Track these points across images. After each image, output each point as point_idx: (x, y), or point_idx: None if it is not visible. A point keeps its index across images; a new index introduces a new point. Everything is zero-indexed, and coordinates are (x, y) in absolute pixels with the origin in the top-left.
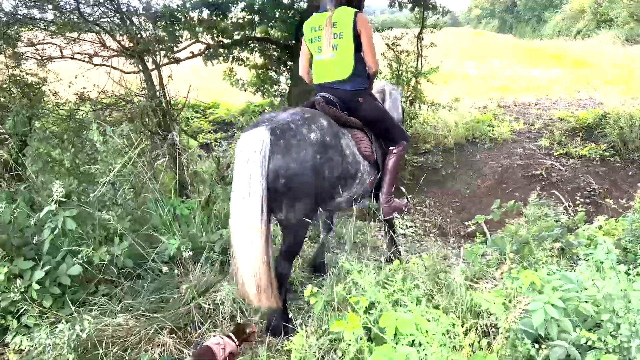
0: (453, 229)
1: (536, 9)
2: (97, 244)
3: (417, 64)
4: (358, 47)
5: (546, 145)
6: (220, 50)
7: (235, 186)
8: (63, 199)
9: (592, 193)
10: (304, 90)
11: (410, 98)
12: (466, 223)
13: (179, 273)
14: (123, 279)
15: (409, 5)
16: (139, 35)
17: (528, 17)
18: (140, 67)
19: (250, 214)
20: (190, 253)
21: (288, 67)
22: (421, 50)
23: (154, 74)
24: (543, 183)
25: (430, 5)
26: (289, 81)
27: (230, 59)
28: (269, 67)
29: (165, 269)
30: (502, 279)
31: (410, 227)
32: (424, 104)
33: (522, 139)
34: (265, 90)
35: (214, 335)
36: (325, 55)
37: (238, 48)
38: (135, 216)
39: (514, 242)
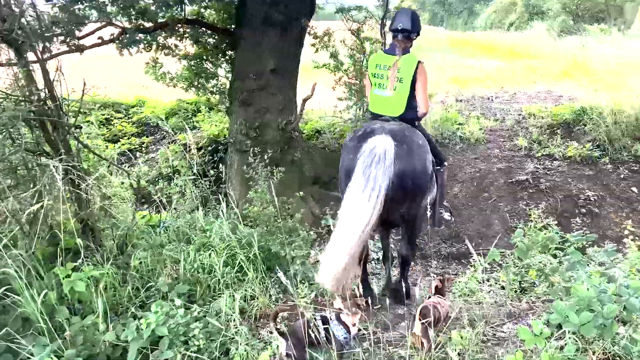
0: (433, 249)
1: (468, 2)
2: None
3: None
4: (413, 89)
5: (524, 145)
6: (141, 35)
7: (357, 185)
8: None
9: (587, 201)
10: (248, 85)
11: None
12: (448, 242)
13: None
14: None
15: None
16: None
17: (460, 9)
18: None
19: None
20: None
21: (228, 58)
22: (384, 37)
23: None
24: (530, 191)
25: None
26: (229, 75)
27: (154, 46)
28: (204, 57)
29: None
30: None
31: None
32: None
33: (496, 138)
34: (200, 85)
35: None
36: (386, 93)
37: (164, 33)
38: None
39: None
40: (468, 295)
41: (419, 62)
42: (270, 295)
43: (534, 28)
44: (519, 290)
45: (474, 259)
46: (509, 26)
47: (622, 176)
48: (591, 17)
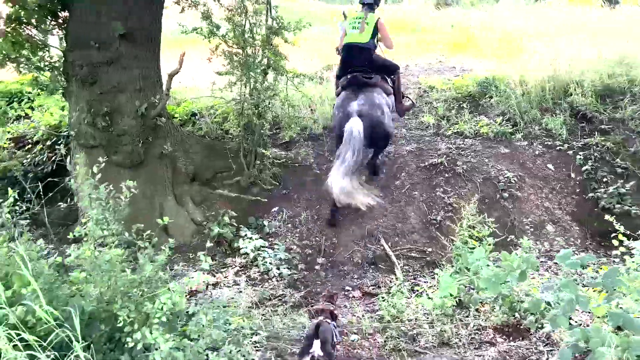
0: (345, 254)
1: None
2: None
3: (267, 16)
4: (375, 33)
5: (431, 122)
6: None
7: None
8: None
9: (508, 184)
10: (89, 57)
11: (263, 68)
12: (361, 243)
13: None
14: None
15: None
16: None
17: None
18: None
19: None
20: None
21: (61, 21)
22: None
23: None
24: (446, 175)
25: None
26: (64, 44)
27: None
28: (25, 20)
29: None
30: None
31: (285, 259)
32: (282, 75)
33: (397, 118)
34: (22, 59)
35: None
36: (358, 32)
37: None
38: None
39: None
40: (396, 316)
41: (378, 18)
42: None
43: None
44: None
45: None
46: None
47: (536, 152)
48: None
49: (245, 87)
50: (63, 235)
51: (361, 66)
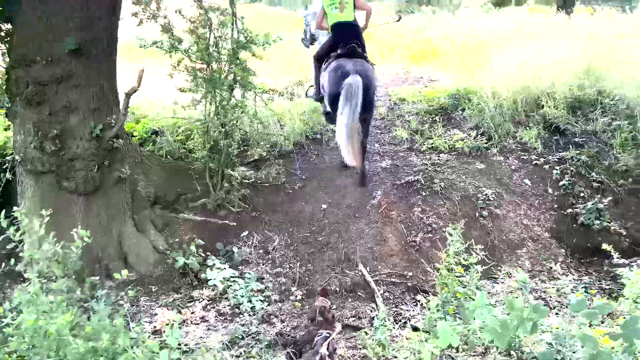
0: (322, 282)
1: None
2: None
3: (232, 30)
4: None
5: (405, 136)
6: None
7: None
8: None
9: (487, 201)
10: (36, 75)
11: (229, 84)
12: (337, 269)
13: None
14: None
15: None
16: None
17: None
18: None
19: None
20: None
21: (3, 35)
22: (235, 7)
23: None
24: (424, 193)
25: None
26: (7, 59)
27: None
28: None
29: None
30: None
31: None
32: (250, 90)
33: (372, 130)
34: None
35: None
36: (341, 12)
37: None
38: None
39: None
40: (381, 355)
41: None
42: None
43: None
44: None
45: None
46: None
47: (513, 167)
48: None
49: (211, 104)
50: (9, 271)
51: (353, 43)
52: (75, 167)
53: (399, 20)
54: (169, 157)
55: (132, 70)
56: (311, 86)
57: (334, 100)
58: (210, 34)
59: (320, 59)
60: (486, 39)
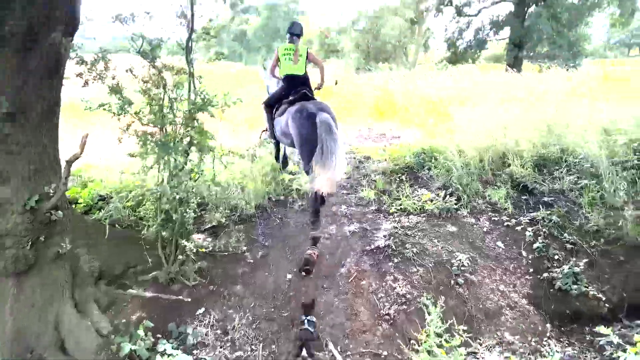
0: None
1: (264, 39)
2: None
3: (189, 91)
4: (306, 63)
5: (372, 197)
6: None
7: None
8: None
9: (461, 267)
10: None
11: (185, 148)
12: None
13: None
14: None
15: None
16: None
17: (258, 45)
18: None
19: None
20: None
21: None
22: (192, 66)
23: None
24: (396, 260)
25: None
26: None
27: None
28: None
29: None
30: None
31: None
32: (208, 153)
33: (338, 190)
34: None
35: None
36: (294, 64)
37: None
38: None
39: None
40: None
41: (307, 48)
42: None
43: (331, 64)
44: None
45: None
46: None
47: (484, 229)
48: (380, 55)
49: (164, 170)
50: None
51: (304, 90)
52: (5, 245)
53: (336, 84)
54: (117, 225)
55: (78, 134)
56: (264, 130)
57: (306, 140)
58: (164, 94)
59: (270, 107)
60: (444, 96)
